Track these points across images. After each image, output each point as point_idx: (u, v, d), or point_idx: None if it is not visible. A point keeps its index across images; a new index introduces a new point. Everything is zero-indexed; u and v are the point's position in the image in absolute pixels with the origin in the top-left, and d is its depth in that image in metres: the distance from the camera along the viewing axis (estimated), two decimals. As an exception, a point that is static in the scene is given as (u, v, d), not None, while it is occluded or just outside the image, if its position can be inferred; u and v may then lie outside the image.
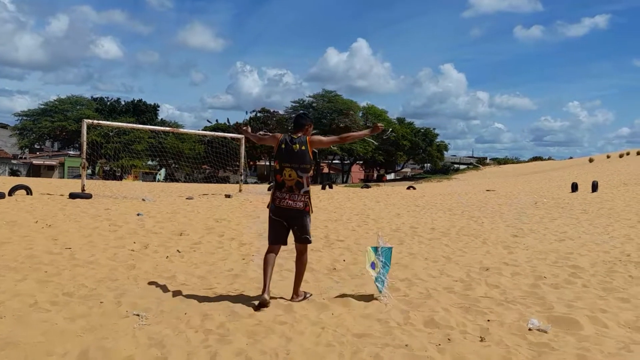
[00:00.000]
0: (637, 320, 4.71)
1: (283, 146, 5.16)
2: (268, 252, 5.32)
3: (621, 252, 8.27)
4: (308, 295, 5.34)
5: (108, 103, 68.41)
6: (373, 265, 5.41)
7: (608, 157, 54.98)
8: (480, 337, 4.25)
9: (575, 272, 6.75)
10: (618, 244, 9.04)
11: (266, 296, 4.92)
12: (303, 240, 5.29)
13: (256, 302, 4.96)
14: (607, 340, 4.21)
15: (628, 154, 53.48)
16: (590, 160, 53.95)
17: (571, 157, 79.70)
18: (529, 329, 4.43)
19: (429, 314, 4.81)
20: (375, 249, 5.50)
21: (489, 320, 4.68)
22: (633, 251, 8.30)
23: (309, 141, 5.20)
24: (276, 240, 5.33)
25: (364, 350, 3.89)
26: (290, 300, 5.22)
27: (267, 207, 5.36)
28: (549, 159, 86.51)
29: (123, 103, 69.50)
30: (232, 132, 33.01)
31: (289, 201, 5.13)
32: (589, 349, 3.98)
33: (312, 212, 5.31)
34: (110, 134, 40.95)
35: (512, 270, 6.86)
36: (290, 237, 5.41)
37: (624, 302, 5.36)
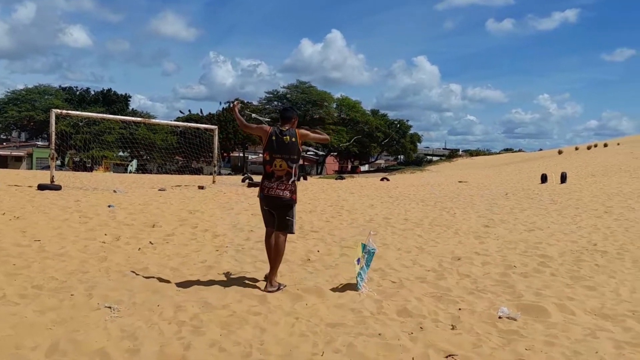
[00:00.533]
0: (603, 308, 4.85)
1: (274, 138, 5.37)
2: (267, 236, 5.60)
3: (588, 241, 8.48)
4: (282, 287, 5.36)
5: (77, 93, 67.01)
6: (358, 261, 5.58)
7: (576, 149, 56.21)
8: (452, 325, 4.32)
9: (544, 261, 6.90)
10: (585, 234, 9.27)
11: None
12: (284, 228, 5.43)
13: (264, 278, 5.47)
14: (574, 327, 4.33)
15: (596, 145, 54.77)
16: (560, 152, 55.07)
17: (541, 149, 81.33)
18: (499, 317, 4.53)
19: (401, 304, 4.87)
20: (364, 246, 5.64)
21: (460, 309, 4.77)
22: (599, 241, 8.52)
23: (298, 134, 5.43)
24: (269, 224, 5.57)
25: (338, 339, 3.92)
26: (263, 290, 5.25)
27: (257, 196, 5.58)
28: (520, 150, 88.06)
29: (93, 93, 68.17)
30: (205, 123, 32.70)
31: (277, 190, 5.34)
32: (557, 335, 4.09)
33: (296, 201, 5.50)
34: (80, 124, 40.15)
35: (483, 259, 6.98)
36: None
37: (590, 290, 5.51)
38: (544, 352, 3.71)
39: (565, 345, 3.86)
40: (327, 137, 5.98)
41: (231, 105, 6.05)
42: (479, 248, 7.87)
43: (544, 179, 23.43)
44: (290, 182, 5.36)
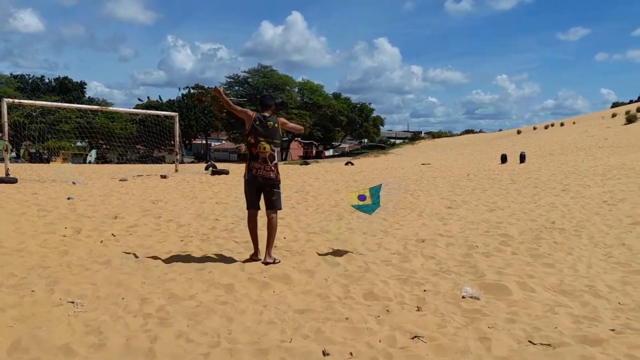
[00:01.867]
0: (561, 284, 5.01)
1: (257, 123, 5.87)
2: (249, 219, 6.06)
3: (547, 219, 8.74)
4: (277, 261, 5.92)
5: (30, 81, 64.73)
6: (362, 198, 6.60)
7: (534, 128, 57.63)
8: (417, 306, 4.40)
9: (505, 240, 7.09)
10: (544, 212, 9.55)
11: (259, 256, 5.97)
12: (274, 206, 6.00)
13: (249, 258, 5.99)
14: (534, 304, 4.47)
15: (553, 125, 56.22)
16: (519, 132, 56.36)
17: (500, 130, 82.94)
18: (463, 297, 4.63)
19: (368, 287, 4.93)
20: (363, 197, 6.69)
21: (425, 290, 4.86)
22: (557, 218, 8.79)
23: (280, 121, 6.03)
24: (255, 205, 6.04)
25: (306, 325, 3.95)
26: (262, 262, 5.86)
27: (244, 177, 6.00)
28: (480, 131, 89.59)
29: (47, 81, 66.00)
30: (165, 110, 32.08)
31: (264, 171, 5.86)
32: (518, 312, 4.22)
33: (280, 180, 6.09)
34: (34, 114, 38.82)
35: (446, 241, 7.12)
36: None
37: (549, 267, 5.69)
38: (505, 330, 3.82)
39: (526, 322, 3.99)
40: (302, 127, 6.67)
41: (216, 89, 6.33)
42: (442, 229, 8.02)
43: (504, 159, 23.97)
44: (273, 164, 5.92)
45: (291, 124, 6.39)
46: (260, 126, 5.85)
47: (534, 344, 3.55)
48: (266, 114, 5.94)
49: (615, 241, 6.91)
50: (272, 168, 5.90)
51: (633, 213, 9.01)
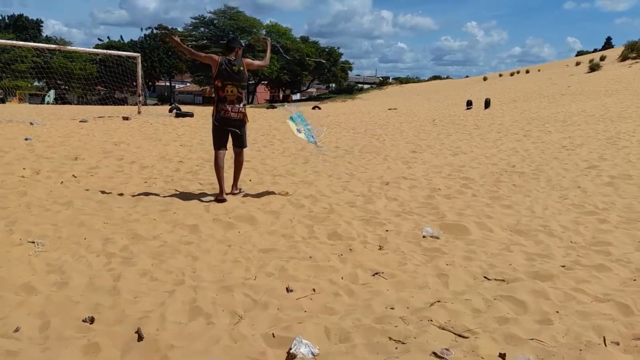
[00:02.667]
0: (517, 224, 5.19)
1: (224, 67, 5.99)
2: (217, 158, 6.19)
3: (507, 163, 8.94)
4: (242, 191, 6.48)
5: (-18, 18, 61.26)
6: (299, 131, 6.64)
7: (500, 75, 58.03)
8: (379, 245, 4.51)
9: (467, 183, 7.25)
10: (505, 157, 9.76)
11: (224, 196, 6.06)
12: (241, 145, 6.36)
13: (214, 199, 6.08)
14: (491, 242, 4.63)
15: (518, 72, 56.67)
16: (485, 79, 56.72)
17: (467, 76, 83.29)
18: (423, 237, 4.76)
19: (332, 227, 5.01)
20: (292, 119, 6.70)
21: (387, 231, 4.97)
22: (517, 162, 9.00)
23: (245, 63, 6.15)
24: (222, 146, 6.25)
25: (270, 263, 4.01)
26: (230, 193, 6.31)
27: (212, 117, 6.17)
28: (447, 78, 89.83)
29: (0, 18, 62.54)
30: (127, 51, 30.91)
31: (232, 113, 6.10)
32: (475, 251, 4.37)
33: (247, 121, 6.40)
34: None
35: (410, 183, 7.23)
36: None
37: (507, 208, 5.87)
38: (462, 267, 3.97)
39: (482, 260, 4.14)
40: (267, 62, 6.76)
41: (170, 36, 6.24)
42: (406, 173, 8.13)
43: (469, 104, 24.18)
44: (241, 105, 6.19)
45: (257, 63, 6.67)
46: (226, 70, 5.99)
47: (489, 280, 3.71)
48: (231, 58, 6.06)
49: (571, 184, 7.14)
50: (241, 109, 6.17)
51: (589, 157, 9.30)
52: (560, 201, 6.21)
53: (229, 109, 6.07)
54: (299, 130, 6.66)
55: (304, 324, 2.97)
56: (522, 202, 6.12)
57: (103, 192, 6.33)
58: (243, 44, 6.43)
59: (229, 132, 6.24)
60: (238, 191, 6.44)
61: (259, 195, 6.41)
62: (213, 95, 6.31)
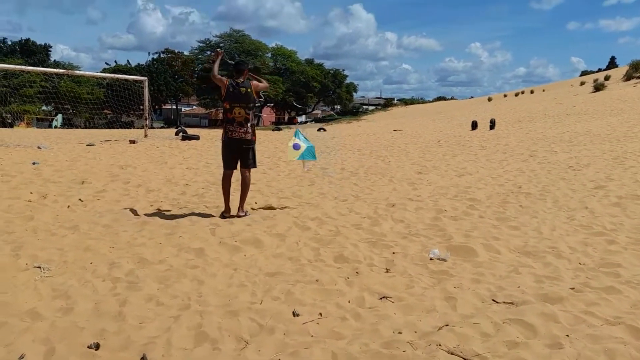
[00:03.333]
0: (525, 246, 5.15)
1: (231, 89, 6.22)
2: (224, 178, 6.48)
3: (514, 184, 8.92)
4: (249, 213, 6.52)
5: (-9, 43, 62.24)
6: (296, 146, 7.00)
7: (505, 96, 58.25)
8: (386, 268, 4.48)
9: (473, 204, 7.22)
10: (511, 177, 9.73)
11: (228, 214, 6.36)
12: (249, 165, 6.51)
13: (220, 217, 6.34)
14: (499, 264, 4.59)
15: (523, 92, 56.91)
16: (489, 100, 56.92)
17: (472, 97, 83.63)
18: (430, 259, 4.73)
19: (338, 250, 4.99)
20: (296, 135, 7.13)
21: (394, 253, 4.93)
22: (524, 183, 8.97)
23: (253, 85, 6.35)
24: (231, 166, 6.48)
25: (276, 287, 3.99)
26: (236, 215, 6.37)
27: (221, 139, 6.44)
28: (452, 98, 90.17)
29: (9, 43, 63.55)
30: (134, 74, 31.26)
31: (239, 133, 6.28)
32: (483, 273, 4.33)
33: (255, 142, 6.52)
34: (-4, 77, 37.37)
35: (416, 205, 7.21)
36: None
37: (514, 229, 5.83)
38: (471, 289, 3.93)
39: (490, 282, 4.10)
40: (266, 84, 6.91)
41: (217, 51, 6.71)
42: (412, 194, 8.11)
43: (474, 126, 24.22)
44: (249, 126, 6.34)
45: (262, 85, 6.72)
46: (234, 92, 6.21)
47: (497, 303, 3.66)
48: (239, 80, 6.27)
49: (578, 205, 7.10)
50: (248, 130, 6.33)
51: (596, 178, 9.26)
52: (567, 222, 6.17)
53: (237, 130, 6.27)
54: (297, 146, 7.03)
55: (311, 349, 2.94)
56: (530, 223, 6.09)
57: (109, 217, 6.34)
58: (251, 66, 6.58)
59: (237, 152, 6.41)
60: (243, 214, 6.47)
61: (264, 218, 6.40)
62: (221, 117, 6.50)
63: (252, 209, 6.93)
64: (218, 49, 6.84)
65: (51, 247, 4.94)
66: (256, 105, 6.39)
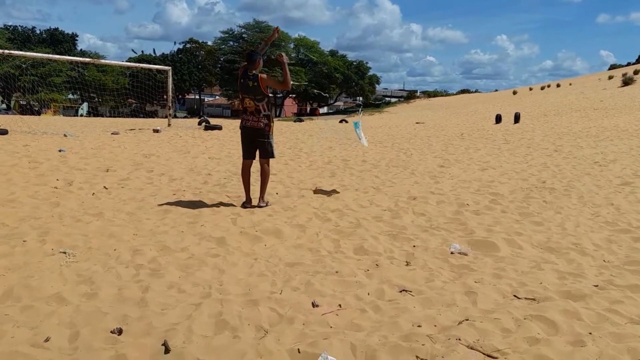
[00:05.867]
0: (548, 242, 5.09)
1: (242, 81, 6.33)
2: (243, 168, 6.57)
3: (538, 179, 8.80)
4: (270, 204, 6.60)
5: (22, 32, 63.25)
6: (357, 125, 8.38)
7: (530, 89, 57.26)
8: (406, 261, 4.47)
9: (496, 199, 7.14)
10: (535, 172, 9.60)
11: (248, 204, 6.45)
12: (265, 155, 6.48)
13: (241, 206, 6.43)
14: (521, 260, 4.54)
15: (549, 86, 55.87)
16: (514, 93, 56.04)
17: (496, 90, 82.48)
18: (451, 253, 4.70)
19: (358, 242, 4.99)
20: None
21: (414, 246, 4.92)
22: (548, 178, 8.85)
23: (260, 78, 6.27)
24: (248, 155, 6.54)
25: (296, 278, 4.01)
26: (256, 205, 6.43)
27: (239, 127, 6.55)
28: (476, 91, 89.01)
29: (38, 32, 64.56)
30: (158, 64, 31.51)
31: (252, 122, 6.37)
32: (505, 268, 4.29)
33: (272, 132, 6.49)
34: (23, 65, 38.06)
35: (437, 198, 7.16)
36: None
37: (537, 225, 5.76)
38: (492, 285, 3.89)
39: (512, 277, 4.06)
40: (288, 85, 6.44)
41: (277, 56, 6.51)
42: (434, 187, 8.06)
43: (498, 119, 23.91)
44: (261, 116, 6.35)
45: (274, 82, 6.72)
46: (243, 85, 6.33)
47: (519, 298, 3.63)
48: (250, 72, 6.30)
49: (603, 201, 6.98)
50: (260, 119, 6.36)
51: (623, 174, 9.08)
52: (592, 218, 6.07)
53: (250, 119, 6.38)
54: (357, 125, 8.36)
55: (330, 340, 2.95)
56: (553, 219, 6.00)
57: (133, 204, 6.42)
58: (264, 56, 6.58)
59: (253, 142, 6.47)
60: (264, 204, 6.53)
61: (285, 209, 6.42)
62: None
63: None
64: (276, 27, 7.06)
65: (76, 233, 5.03)
66: (268, 96, 6.40)
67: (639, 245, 4.94)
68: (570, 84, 52.34)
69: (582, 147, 13.46)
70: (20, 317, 3.22)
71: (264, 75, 6.38)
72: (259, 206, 6.45)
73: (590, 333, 3.05)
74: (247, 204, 6.47)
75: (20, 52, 24.20)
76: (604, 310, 3.39)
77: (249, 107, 6.36)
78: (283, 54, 6.61)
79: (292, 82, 6.68)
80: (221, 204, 6.62)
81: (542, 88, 55.01)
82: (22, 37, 61.11)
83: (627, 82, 40.23)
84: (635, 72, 44.30)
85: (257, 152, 6.54)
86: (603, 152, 12.13)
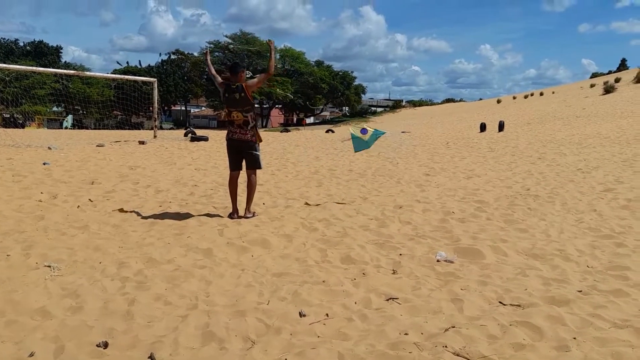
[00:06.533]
0: (533, 248, 5.14)
1: (227, 95, 6.29)
2: (230, 179, 6.55)
3: (522, 186, 8.89)
4: (256, 214, 6.56)
5: (4, 44, 62.80)
6: (364, 131, 7.46)
7: (514, 98, 57.94)
8: (393, 270, 4.49)
9: (481, 206, 7.20)
10: (520, 179, 9.70)
11: (235, 215, 6.42)
12: (253, 166, 6.51)
13: (227, 217, 6.41)
14: (506, 267, 4.58)
15: (532, 95, 56.56)
16: (498, 102, 56.67)
17: (481, 99, 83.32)
18: (437, 261, 4.73)
19: (345, 251, 5.00)
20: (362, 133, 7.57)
21: (401, 255, 4.94)
22: (532, 185, 8.94)
23: (245, 87, 6.26)
24: (235, 167, 6.53)
25: (283, 288, 4.00)
26: (243, 216, 6.42)
27: (226, 139, 6.57)
28: (461, 100, 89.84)
29: (22, 44, 64.14)
30: (144, 75, 31.41)
31: (240, 134, 6.36)
32: (490, 275, 4.32)
33: (260, 141, 6.53)
34: (7, 78, 37.66)
35: (423, 207, 7.21)
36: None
37: (522, 232, 5.81)
38: (477, 291, 3.93)
39: (497, 284, 4.09)
40: (271, 70, 6.49)
41: (204, 53, 6.70)
42: (419, 196, 8.11)
43: (483, 128, 24.15)
44: (249, 128, 6.35)
45: (257, 81, 6.58)
46: (229, 98, 6.29)
47: (504, 305, 3.66)
48: (233, 85, 6.26)
49: (587, 207, 7.07)
50: (248, 131, 6.36)
51: (605, 180, 9.21)
52: (576, 225, 6.15)
53: (237, 131, 6.37)
54: (364, 131, 7.59)
55: (317, 349, 2.95)
56: (538, 226, 6.07)
57: (118, 217, 6.39)
58: (244, 66, 6.65)
59: (239, 153, 6.48)
60: (250, 215, 6.51)
61: (272, 219, 6.42)
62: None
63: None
64: (206, 50, 7.14)
65: (61, 247, 4.99)
66: (254, 106, 6.43)
67: (621, 251, 5.00)
68: (553, 93, 53.02)
69: (565, 154, 13.63)
70: (4, 332, 3.19)
71: (249, 82, 6.39)
72: (245, 217, 6.44)
73: (574, 338, 3.09)
74: (233, 214, 6.46)
75: (4, 65, 23.99)
76: (588, 315, 3.43)
77: (236, 120, 6.33)
78: (273, 40, 6.70)
79: (279, 92, 6.78)
80: (208, 215, 6.61)
81: (526, 97, 55.66)
82: (5, 50, 60.66)
83: (608, 90, 40.84)
84: (616, 80, 45.03)
85: (244, 163, 6.54)
86: (586, 159, 12.29)
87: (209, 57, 7.11)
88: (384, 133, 7.55)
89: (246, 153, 6.45)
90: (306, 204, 7.39)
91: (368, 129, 7.56)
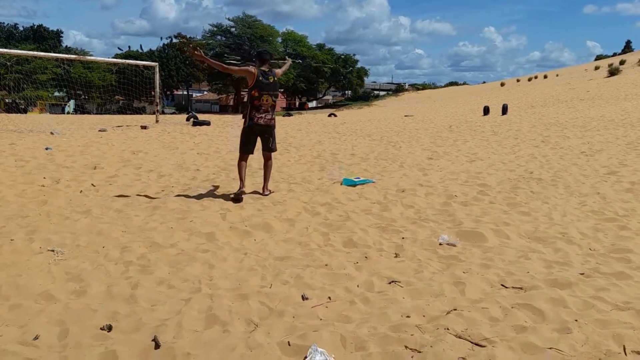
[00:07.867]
0: (536, 231, 5.13)
1: (261, 78, 6.46)
2: (241, 160, 6.79)
3: (525, 170, 8.86)
4: (273, 192, 6.98)
5: (5, 29, 62.53)
6: (357, 179, 7.86)
7: (518, 80, 57.60)
8: (395, 253, 4.49)
9: (484, 190, 7.19)
10: (523, 163, 9.67)
11: (244, 189, 6.62)
12: (271, 149, 6.91)
13: (232, 195, 6.58)
14: (509, 250, 4.58)
15: (536, 77, 56.24)
16: (502, 85, 56.35)
17: (484, 82, 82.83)
18: (440, 244, 4.73)
19: (347, 235, 5.00)
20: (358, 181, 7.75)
21: (403, 238, 4.94)
22: (535, 169, 8.92)
23: (276, 73, 6.67)
24: (249, 150, 6.80)
25: (286, 272, 4.02)
26: (261, 194, 6.81)
27: (244, 124, 6.68)
28: (464, 84, 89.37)
29: (21, 29, 63.87)
30: (145, 60, 31.28)
31: (265, 119, 6.62)
32: (492, 258, 4.33)
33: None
34: (8, 63, 37.58)
35: (426, 190, 7.20)
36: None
37: (525, 215, 5.81)
38: (480, 274, 3.93)
39: (499, 267, 4.10)
40: (285, 66, 7.31)
41: (194, 53, 6.53)
42: (422, 180, 8.09)
43: (486, 111, 24.04)
44: (274, 113, 6.73)
45: (282, 69, 7.12)
46: (263, 82, 6.47)
47: (506, 287, 3.67)
48: (265, 69, 6.51)
49: (590, 190, 7.05)
50: (274, 116, 6.73)
51: (609, 163, 9.17)
52: (579, 208, 6.14)
53: (263, 116, 6.57)
54: (358, 178, 7.92)
55: (320, 332, 2.97)
56: (540, 209, 6.06)
57: (121, 201, 6.40)
58: (273, 55, 6.77)
59: (261, 136, 6.76)
60: (268, 192, 6.88)
61: (275, 203, 6.42)
62: (246, 102, 6.81)
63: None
64: (183, 37, 7.07)
65: (64, 231, 5.01)
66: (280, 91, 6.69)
67: (624, 234, 5.00)
68: (557, 75, 52.68)
69: (569, 137, 13.57)
70: (8, 316, 3.21)
71: (277, 70, 6.74)
72: (263, 194, 6.80)
73: (576, 320, 3.09)
74: (241, 192, 6.56)
75: (5, 50, 23.90)
76: (590, 297, 3.43)
77: (264, 104, 6.52)
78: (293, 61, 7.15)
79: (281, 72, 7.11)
80: (210, 199, 6.61)
81: (530, 79, 55.34)
82: (5, 35, 60.41)
83: (613, 72, 40.56)
84: (621, 63, 44.70)
85: (261, 146, 6.87)
86: (590, 142, 12.24)
87: (201, 53, 6.64)
88: (372, 181, 7.89)
89: (268, 136, 6.76)
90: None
91: (360, 177, 8.03)
